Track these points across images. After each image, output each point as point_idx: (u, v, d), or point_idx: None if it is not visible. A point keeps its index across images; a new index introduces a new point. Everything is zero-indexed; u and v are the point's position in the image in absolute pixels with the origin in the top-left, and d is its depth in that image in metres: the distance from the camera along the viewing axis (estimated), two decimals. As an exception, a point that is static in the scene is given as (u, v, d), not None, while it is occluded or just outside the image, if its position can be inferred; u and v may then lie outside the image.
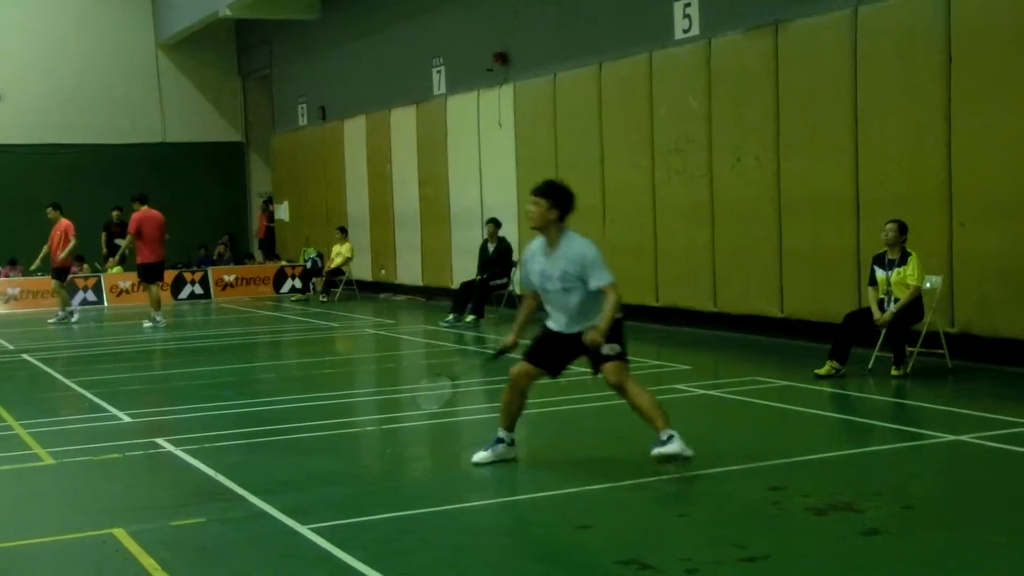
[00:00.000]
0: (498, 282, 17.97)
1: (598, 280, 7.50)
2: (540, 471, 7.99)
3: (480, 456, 7.81)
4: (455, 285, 19.54)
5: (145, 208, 18.93)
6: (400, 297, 23.35)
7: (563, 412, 10.06)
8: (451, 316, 17.51)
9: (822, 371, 11.13)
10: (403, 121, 23.01)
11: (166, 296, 24.09)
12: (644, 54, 16.20)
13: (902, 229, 11.26)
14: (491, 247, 18.15)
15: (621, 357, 7.53)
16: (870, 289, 11.49)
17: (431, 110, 21.99)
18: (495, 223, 18.29)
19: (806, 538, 5.96)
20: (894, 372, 11.04)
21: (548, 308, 7.78)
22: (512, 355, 7.96)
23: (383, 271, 24.30)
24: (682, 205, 15.63)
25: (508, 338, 7.90)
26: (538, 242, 7.75)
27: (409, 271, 23.24)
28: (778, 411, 9.81)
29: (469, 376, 11.61)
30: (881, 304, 11.26)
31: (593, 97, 17.29)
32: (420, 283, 22.80)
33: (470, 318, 17.39)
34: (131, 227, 19.01)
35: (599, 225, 17.34)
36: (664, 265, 16.16)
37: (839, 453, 8.23)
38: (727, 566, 5.44)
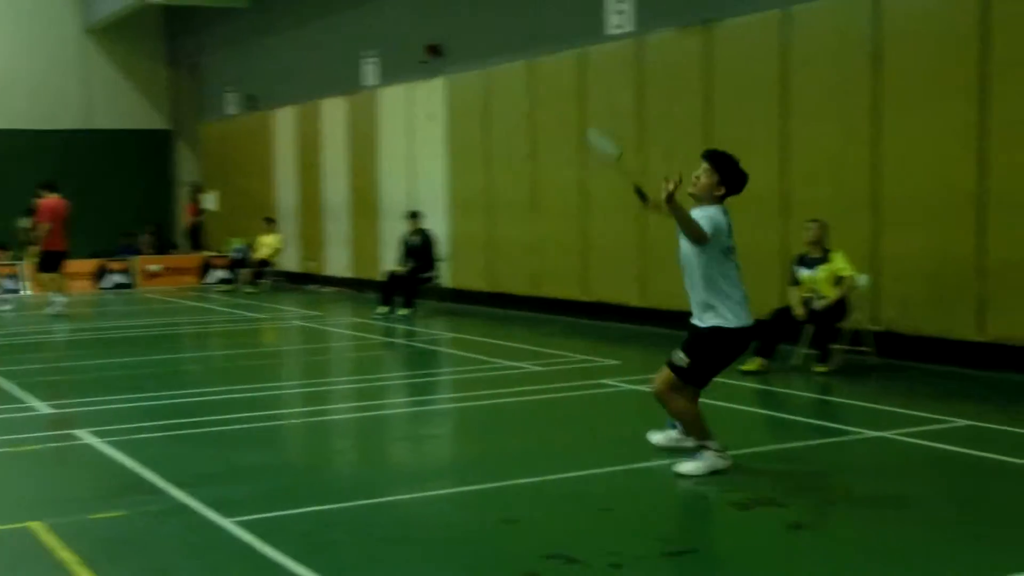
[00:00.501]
0: (424, 275, 17.91)
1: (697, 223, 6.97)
2: (467, 465, 7.95)
3: (657, 438, 7.80)
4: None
5: (55, 196, 18.67)
6: (329, 289, 23.18)
7: (490, 406, 10.03)
8: (384, 308, 17.42)
9: (748, 367, 11.22)
10: (334, 112, 22.84)
11: (88, 285, 23.78)
12: (577, 50, 16.22)
13: (823, 228, 11.43)
14: (414, 240, 18.04)
15: (683, 373, 7.07)
16: (792, 289, 11.61)
17: (362, 101, 21.85)
18: (415, 215, 18.21)
19: (731, 532, 5.99)
20: (819, 369, 11.16)
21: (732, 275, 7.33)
22: None
23: (312, 263, 24.11)
24: (612, 200, 15.67)
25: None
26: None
27: (338, 263, 23.09)
28: (704, 407, 9.81)
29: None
30: (808, 302, 11.37)
31: (525, 91, 17.29)
32: (349, 275, 22.67)
33: (403, 311, 17.31)
34: (43, 215, 18.67)
35: (529, 219, 17.35)
36: (594, 260, 16.20)
37: (764, 449, 8.29)
38: (652, 560, 5.45)
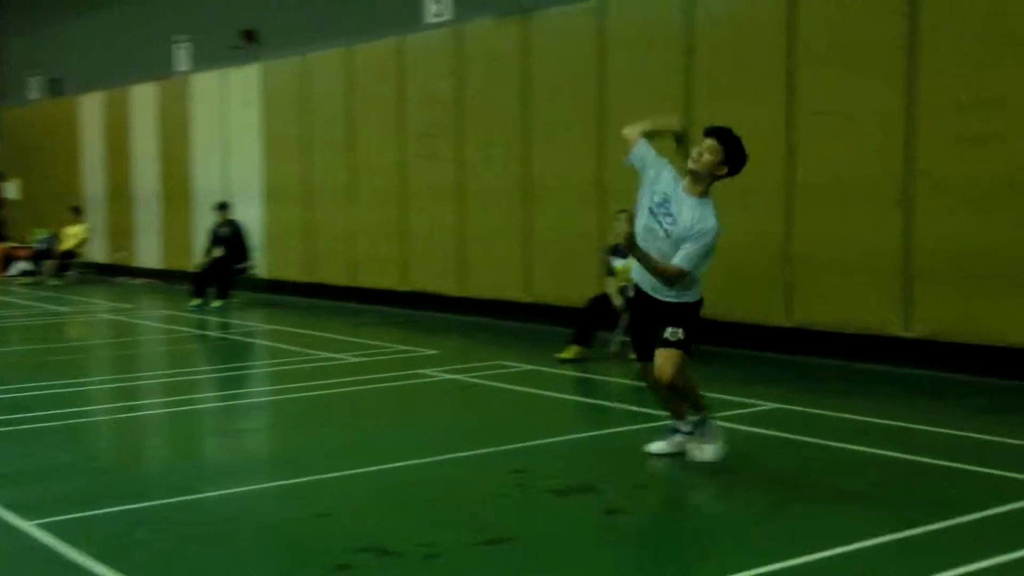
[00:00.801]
0: (238, 266, 17.52)
1: (682, 259, 6.59)
2: (280, 459, 7.80)
3: (657, 447, 7.27)
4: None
5: None
6: (139, 280, 22.49)
7: (307, 399, 9.86)
8: (198, 300, 16.98)
9: (566, 355, 11.32)
10: (144, 98, 22.16)
11: None
12: (395, 37, 16.10)
13: (633, 217, 11.59)
14: (223, 231, 17.61)
15: (683, 346, 6.72)
16: (608, 279, 11.77)
17: (174, 87, 21.26)
18: (224, 206, 17.77)
19: (548, 519, 6.00)
20: (634, 356, 11.31)
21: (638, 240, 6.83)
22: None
23: (122, 253, 23.36)
24: (431, 189, 15.63)
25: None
26: (675, 173, 6.83)
27: (149, 253, 22.42)
28: (522, 395, 9.90)
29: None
30: (624, 291, 11.53)
31: (343, 78, 17.09)
32: (160, 266, 22.04)
33: (217, 303, 16.90)
34: None
35: (348, 207, 17.17)
36: (412, 249, 16.13)
37: (580, 435, 8.36)
38: (468, 549, 5.42)
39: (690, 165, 6.69)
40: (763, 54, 11.54)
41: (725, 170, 6.71)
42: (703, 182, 6.69)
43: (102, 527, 5.93)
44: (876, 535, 5.50)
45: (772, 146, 11.46)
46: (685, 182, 6.73)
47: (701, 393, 7.03)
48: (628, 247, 6.63)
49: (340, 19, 17.37)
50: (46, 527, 5.85)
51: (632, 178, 12.85)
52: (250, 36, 19.16)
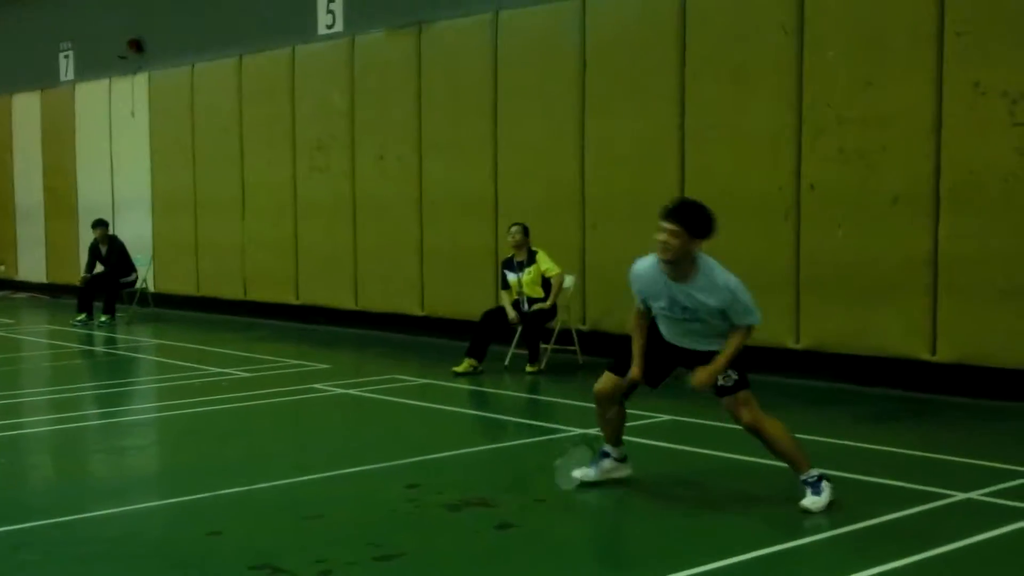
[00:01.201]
0: (125, 279, 17.13)
1: (743, 319, 6.33)
2: (168, 477, 7.66)
3: (583, 473, 6.77)
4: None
5: None
6: (22, 295, 21.91)
7: (197, 414, 9.69)
8: (82, 316, 16.57)
9: (460, 368, 11.30)
10: (26, 107, 21.60)
11: None
12: (286, 48, 15.95)
13: (526, 231, 11.67)
14: (103, 248, 17.15)
15: (741, 386, 6.41)
16: (503, 293, 11.80)
17: (58, 97, 20.77)
18: (101, 223, 17.25)
19: (441, 534, 5.97)
20: (529, 368, 11.38)
21: (659, 323, 6.64)
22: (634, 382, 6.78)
23: (2, 267, 22.72)
24: (324, 202, 15.50)
25: (633, 371, 6.68)
26: (651, 261, 6.46)
27: (33, 267, 21.84)
28: (417, 409, 9.86)
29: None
30: (516, 304, 11.56)
31: (233, 90, 16.87)
32: (45, 280, 21.49)
33: (103, 318, 16.52)
34: None
35: (237, 220, 16.94)
36: (304, 262, 15.97)
37: (475, 449, 8.34)
38: (362, 565, 5.37)
39: (662, 258, 6.31)
40: (654, 69, 11.67)
41: (698, 244, 6.27)
42: (684, 263, 6.29)
43: (-17, 550, 5.75)
44: (762, 546, 5.57)
45: (663, 160, 11.59)
46: (668, 274, 6.37)
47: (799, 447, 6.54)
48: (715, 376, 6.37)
49: (229, 29, 17.15)
50: (-77, 551, 5.66)
51: (526, 189, 12.94)
52: (137, 45, 18.82)
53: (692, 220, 6.24)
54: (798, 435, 8.28)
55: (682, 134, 11.49)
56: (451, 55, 13.78)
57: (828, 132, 10.41)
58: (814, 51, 10.50)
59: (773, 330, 10.82)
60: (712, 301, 6.29)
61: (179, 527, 6.28)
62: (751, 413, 6.42)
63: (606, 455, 6.91)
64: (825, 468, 7.03)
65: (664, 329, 6.64)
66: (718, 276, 6.32)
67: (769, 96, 10.80)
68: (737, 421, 6.48)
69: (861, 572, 5.14)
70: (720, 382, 6.38)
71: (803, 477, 6.32)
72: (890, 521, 6.04)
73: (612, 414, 6.84)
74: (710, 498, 6.73)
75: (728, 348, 6.34)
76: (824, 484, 6.27)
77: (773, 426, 6.46)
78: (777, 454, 6.50)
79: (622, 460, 6.96)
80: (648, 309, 6.63)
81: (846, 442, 8.07)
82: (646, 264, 6.53)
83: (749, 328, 6.39)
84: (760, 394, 10.12)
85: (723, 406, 6.50)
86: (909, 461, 7.61)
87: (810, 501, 6.21)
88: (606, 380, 6.87)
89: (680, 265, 6.29)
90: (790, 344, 10.80)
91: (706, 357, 6.45)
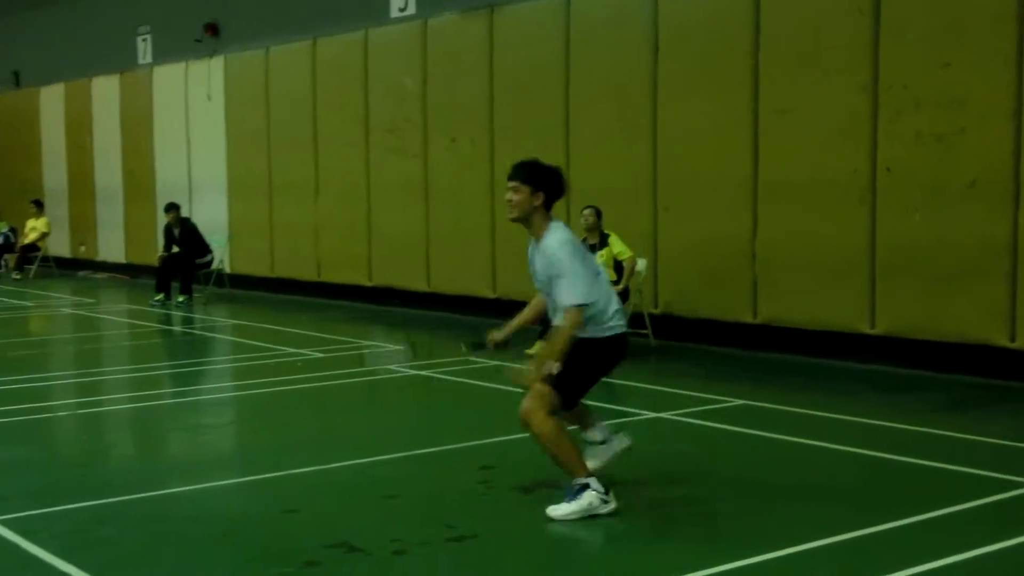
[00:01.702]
0: (201, 260, 17.35)
1: (563, 295, 5.92)
2: (247, 455, 7.77)
3: (593, 464, 6.24)
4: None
5: None
6: (102, 275, 22.31)
7: (273, 394, 9.82)
8: (160, 296, 16.83)
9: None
10: (106, 90, 21.96)
11: None
12: (360, 31, 16.05)
13: (599, 214, 11.65)
14: (176, 231, 17.35)
15: (551, 382, 5.89)
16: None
17: (136, 80, 21.09)
18: (174, 208, 17.46)
19: (513, 516, 6.01)
20: (600, 352, 11.35)
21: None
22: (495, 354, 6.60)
23: (83, 247, 23.16)
24: (396, 185, 15.60)
25: (494, 333, 6.56)
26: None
27: (112, 248, 22.24)
28: (490, 391, 9.91)
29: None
30: (588, 286, 11.54)
31: (307, 73, 17.00)
32: (123, 260, 21.87)
33: (181, 298, 16.76)
34: None
35: (312, 203, 17.10)
36: (378, 245, 16.09)
37: (547, 431, 8.35)
38: (435, 546, 5.42)
39: (509, 216, 6.23)
40: (728, 53, 11.58)
41: (541, 196, 6.13)
42: (533, 221, 6.16)
43: (64, 523, 5.90)
44: (840, 532, 5.54)
45: (736, 144, 11.51)
46: (531, 237, 6.22)
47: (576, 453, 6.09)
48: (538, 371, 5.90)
49: (304, 13, 17.28)
50: (8, 523, 5.81)
51: (597, 173, 12.91)
52: (213, 29, 19.04)
53: (533, 176, 6.17)
54: (873, 421, 8.25)
55: (755, 118, 11.39)
56: (523, 38, 13.78)
57: (905, 115, 10.26)
58: (891, 33, 10.35)
59: (848, 315, 10.73)
60: (540, 265, 6.10)
61: (256, 504, 6.38)
62: (529, 404, 5.90)
63: (592, 443, 6.55)
64: (900, 455, 6.98)
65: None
66: (549, 236, 6.08)
67: (844, 79, 10.67)
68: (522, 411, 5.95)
69: (936, 561, 5.09)
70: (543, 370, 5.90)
71: (573, 482, 5.90)
72: (966, 510, 5.97)
73: (570, 422, 6.39)
74: (782, 483, 6.69)
75: (554, 337, 5.91)
76: (586, 494, 5.83)
77: (542, 427, 5.88)
78: (549, 457, 6.00)
79: (604, 441, 6.55)
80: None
81: (922, 429, 7.98)
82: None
83: (572, 313, 5.85)
84: (834, 380, 10.07)
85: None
86: (986, 449, 7.51)
87: (557, 509, 5.84)
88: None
89: (531, 225, 6.18)
90: (865, 329, 10.68)
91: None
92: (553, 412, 5.94)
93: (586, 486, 5.88)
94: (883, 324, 10.58)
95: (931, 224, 10.14)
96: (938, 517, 5.83)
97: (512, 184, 6.20)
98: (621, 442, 6.62)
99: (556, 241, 6.05)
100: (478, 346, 6.57)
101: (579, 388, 6.13)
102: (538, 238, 6.18)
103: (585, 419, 6.59)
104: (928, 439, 7.73)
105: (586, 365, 6.07)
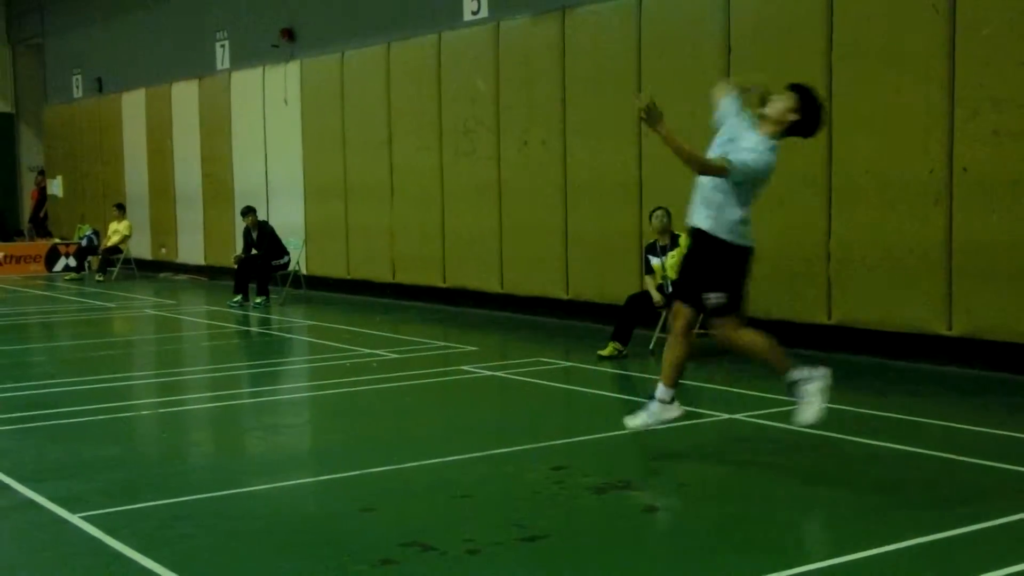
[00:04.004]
0: (278, 261, 17.60)
1: (725, 153, 6.72)
2: (323, 454, 7.89)
3: (637, 421, 7.20)
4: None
5: None
6: (182, 277, 22.70)
7: (348, 394, 9.95)
8: (238, 297, 17.10)
9: (605, 352, 11.35)
10: (185, 95, 22.35)
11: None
12: (433, 34, 16.18)
13: (669, 215, 11.64)
14: (254, 233, 17.63)
15: (728, 309, 6.76)
16: (647, 278, 11.79)
17: (214, 85, 21.43)
18: (251, 211, 17.75)
19: (586, 517, 6.04)
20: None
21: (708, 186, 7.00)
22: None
23: (164, 250, 23.59)
24: (470, 187, 15.70)
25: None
26: (747, 122, 6.93)
27: (191, 250, 22.62)
28: (562, 392, 9.95)
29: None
30: (661, 288, 11.55)
31: (381, 76, 17.17)
32: (203, 262, 22.24)
33: (258, 299, 17.02)
34: None
35: (386, 205, 17.26)
36: (452, 246, 16.20)
37: (619, 433, 8.35)
38: (508, 546, 5.47)
39: (761, 110, 6.79)
40: (801, 52, 11.50)
41: (796, 117, 6.73)
42: (770, 126, 6.76)
43: (145, 520, 6.03)
44: (919, 534, 5.50)
45: (810, 143, 11.38)
46: (755, 124, 6.81)
47: (776, 351, 6.89)
48: (649, 118, 6.64)
49: (377, 17, 17.46)
50: (91, 520, 5.96)
51: (670, 175, 12.88)
52: (289, 34, 19.30)
53: (806, 99, 6.84)
54: (951, 423, 8.15)
55: (829, 117, 11.29)
56: (595, 40, 13.80)
57: (982, 113, 10.12)
58: (967, 30, 10.22)
59: (925, 317, 10.61)
60: (740, 142, 6.76)
61: (331, 503, 6.48)
62: (723, 334, 6.84)
63: (651, 398, 7.18)
64: (979, 459, 6.91)
65: None
66: (767, 144, 6.79)
67: (919, 77, 10.55)
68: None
69: (1015, 566, 5.04)
70: (709, 301, 6.76)
71: (789, 376, 6.81)
72: (1044, 513, 5.90)
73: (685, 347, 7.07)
74: (858, 484, 6.65)
75: (689, 146, 6.71)
76: (810, 387, 6.80)
77: (742, 340, 6.83)
78: (759, 362, 6.94)
79: (667, 401, 7.17)
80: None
81: (1002, 432, 7.88)
82: (749, 119, 7.01)
83: (721, 163, 6.70)
84: (912, 381, 9.96)
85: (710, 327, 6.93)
86: (1066, 452, 7.39)
87: (804, 413, 6.82)
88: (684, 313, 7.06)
89: (766, 125, 6.89)
90: (942, 331, 10.55)
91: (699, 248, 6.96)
92: (740, 325, 6.76)
93: (801, 380, 6.69)
94: (960, 326, 10.45)
95: (1009, 224, 10.00)
96: (1014, 522, 5.75)
97: (786, 94, 6.79)
98: (677, 411, 7.21)
99: (756, 148, 6.72)
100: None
101: (734, 293, 6.79)
102: (761, 133, 6.83)
103: (680, 373, 7.20)
104: (1006, 442, 7.63)
105: (724, 268, 6.79)
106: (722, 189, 6.76)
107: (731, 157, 6.61)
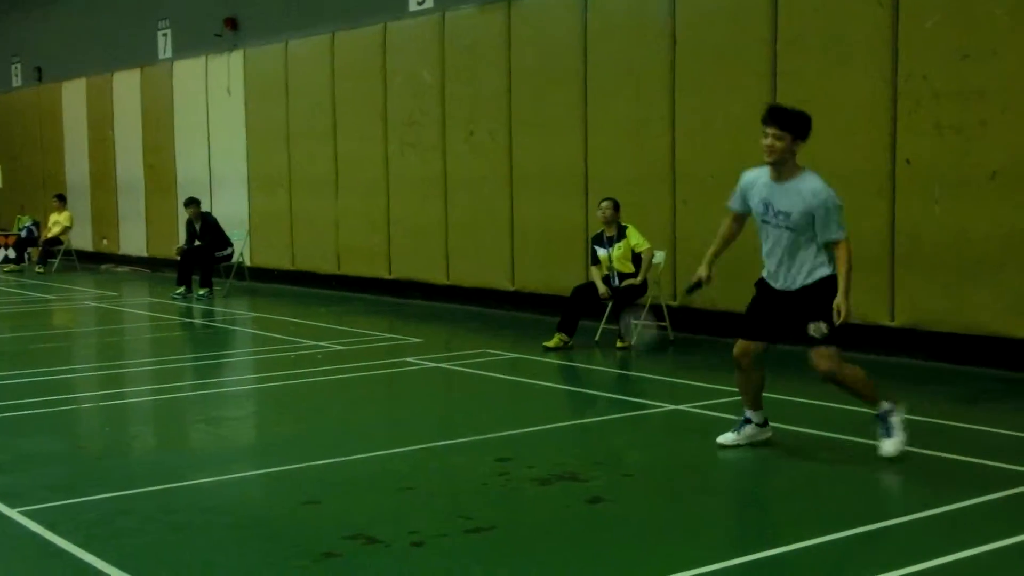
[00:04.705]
0: (221, 253, 17.40)
1: (830, 233, 6.66)
2: (267, 447, 7.82)
3: (726, 438, 7.16)
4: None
5: None
6: (123, 268, 22.44)
7: (290, 386, 9.88)
8: (181, 289, 16.91)
9: (551, 343, 11.35)
10: (126, 85, 22.08)
11: None
12: (378, 25, 16.09)
13: (616, 206, 11.65)
14: (197, 225, 17.41)
15: (832, 340, 6.76)
16: (593, 269, 11.81)
17: (156, 74, 21.19)
18: (194, 202, 17.51)
19: (531, 508, 6.03)
20: (619, 344, 11.38)
21: (763, 242, 7.02)
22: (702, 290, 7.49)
23: (105, 241, 23.30)
24: (415, 178, 15.64)
25: (700, 271, 7.28)
26: (761, 171, 6.93)
27: (133, 241, 22.37)
28: (507, 383, 9.94)
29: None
30: (607, 280, 11.57)
31: (326, 67, 17.05)
32: (145, 254, 22.00)
33: (201, 291, 16.84)
34: None
35: (331, 196, 17.16)
36: (397, 238, 16.13)
37: (565, 424, 8.39)
38: (453, 537, 5.45)
39: (767, 160, 6.77)
40: (746, 43, 11.56)
41: (799, 144, 6.74)
42: (787, 165, 6.75)
43: (87, 515, 5.94)
44: (862, 524, 5.54)
45: (755, 134, 11.41)
46: (771, 176, 6.82)
47: (872, 383, 6.91)
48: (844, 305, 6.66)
49: (322, 7, 17.33)
50: (31, 515, 5.86)
51: (615, 165, 12.93)
52: (232, 23, 19.11)
53: (794, 124, 6.70)
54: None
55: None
56: (541, 31, 13.78)
57: (924, 106, 10.23)
58: (910, 22, 10.31)
59: (868, 307, 10.70)
60: (802, 205, 6.65)
61: (275, 496, 6.43)
62: (828, 364, 6.79)
63: (748, 421, 7.18)
64: (923, 448, 6.97)
65: (765, 251, 6.99)
66: (811, 178, 6.72)
67: (863, 69, 10.64)
68: (816, 369, 6.84)
69: (954, 554, 5.09)
70: (812, 333, 6.72)
71: (877, 407, 6.81)
72: (987, 502, 5.96)
73: (749, 378, 7.13)
74: (796, 476, 6.70)
75: (841, 271, 6.63)
76: (894, 419, 6.73)
77: (850, 376, 6.85)
78: (854, 395, 6.99)
79: (763, 424, 7.21)
80: (739, 216, 7.16)
81: (943, 422, 7.97)
82: (755, 172, 7.02)
83: (844, 244, 6.64)
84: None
85: (812, 357, 6.81)
86: (1008, 442, 7.49)
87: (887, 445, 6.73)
88: (737, 345, 7.16)
89: (782, 168, 6.73)
90: (885, 322, 10.66)
91: (803, 301, 6.79)
92: (841, 358, 6.80)
93: (890, 411, 6.74)
94: (903, 316, 10.56)
95: (951, 216, 10.11)
96: (954, 510, 5.81)
97: (772, 131, 6.70)
98: (766, 433, 7.23)
99: (821, 182, 6.70)
100: (694, 287, 7.31)
101: (839, 327, 6.70)
102: (786, 179, 6.76)
103: (759, 397, 7.20)
104: (947, 431, 7.72)
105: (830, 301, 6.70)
106: (801, 244, 6.82)
107: (832, 235, 6.70)
